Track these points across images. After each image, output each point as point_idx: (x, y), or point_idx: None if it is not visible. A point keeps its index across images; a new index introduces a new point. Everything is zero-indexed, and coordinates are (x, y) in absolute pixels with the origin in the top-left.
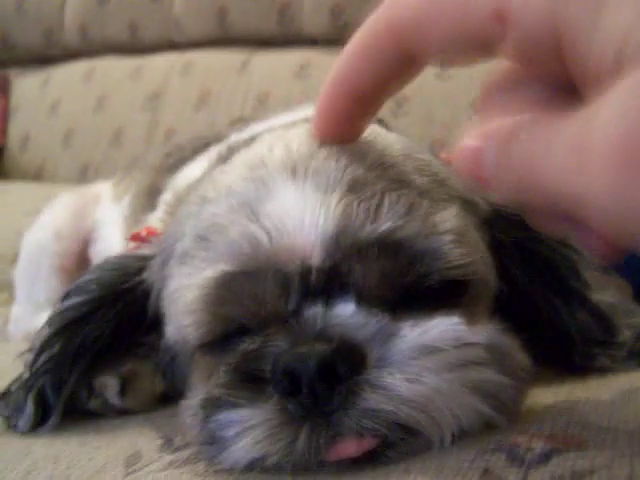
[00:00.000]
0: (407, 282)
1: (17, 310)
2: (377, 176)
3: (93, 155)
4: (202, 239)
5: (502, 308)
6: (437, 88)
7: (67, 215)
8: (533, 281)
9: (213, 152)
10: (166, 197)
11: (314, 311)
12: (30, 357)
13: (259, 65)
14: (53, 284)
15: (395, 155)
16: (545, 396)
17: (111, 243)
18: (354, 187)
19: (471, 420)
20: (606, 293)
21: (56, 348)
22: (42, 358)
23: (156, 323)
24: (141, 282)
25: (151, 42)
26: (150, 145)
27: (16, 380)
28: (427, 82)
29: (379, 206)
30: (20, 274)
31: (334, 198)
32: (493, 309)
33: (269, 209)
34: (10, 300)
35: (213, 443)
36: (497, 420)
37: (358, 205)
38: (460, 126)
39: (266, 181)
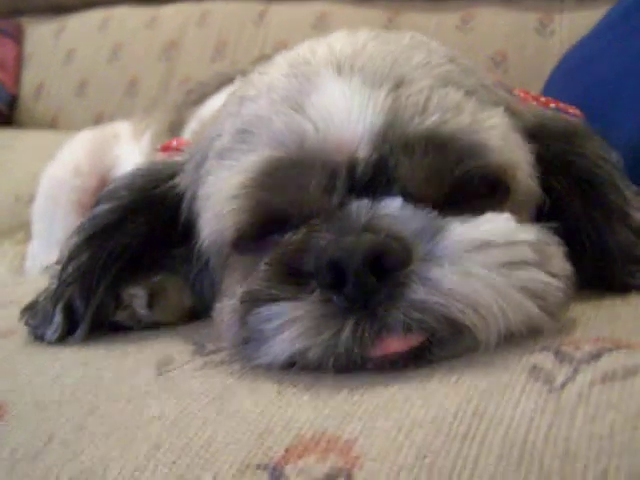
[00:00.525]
0: (454, 178)
1: (34, 246)
2: (423, 74)
3: (108, 104)
4: (243, 132)
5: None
6: (457, 40)
7: (86, 151)
8: (574, 196)
9: (239, 83)
10: (192, 126)
11: (360, 204)
12: (58, 267)
13: (276, 15)
14: (71, 220)
15: (441, 57)
16: (587, 308)
17: None
18: (401, 83)
19: (518, 319)
20: None
21: (84, 257)
22: (70, 267)
23: (187, 234)
24: (173, 187)
25: None
26: (165, 95)
27: (44, 291)
28: (448, 33)
29: (427, 102)
30: (38, 210)
31: (382, 92)
32: (536, 220)
33: (315, 101)
34: (27, 239)
35: (252, 339)
36: (543, 321)
37: (406, 100)
38: None
39: (311, 77)
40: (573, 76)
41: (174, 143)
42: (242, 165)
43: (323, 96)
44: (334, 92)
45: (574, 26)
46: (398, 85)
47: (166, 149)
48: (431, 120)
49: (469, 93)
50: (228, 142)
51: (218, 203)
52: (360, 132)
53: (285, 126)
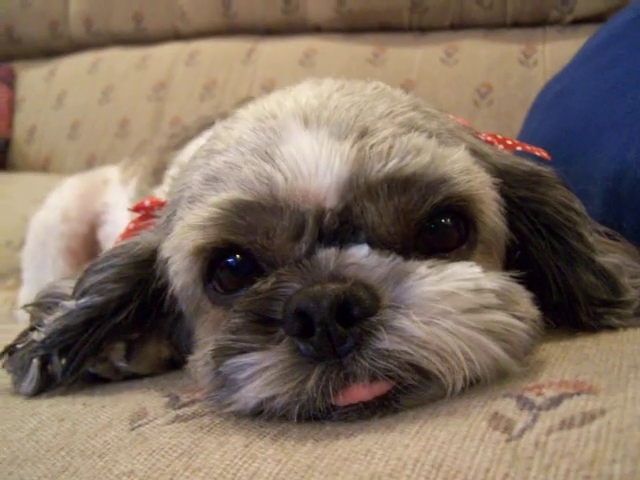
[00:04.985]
0: (420, 216)
1: (25, 292)
2: (387, 123)
3: (99, 146)
4: (213, 180)
5: (511, 267)
6: (443, 72)
7: (75, 197)
8: (539, 240)
9: (206, 139)
10: (172, 172)
11: (327, 253)
12: (37, 309)
13: (264, 54)
14: (60, 265)
15: (403, 105)
16: (556, 350)
17: (120, 226)
18: (365, 133)
19: (484, 363)
20: (612, 255)
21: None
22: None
23: (164, 287)
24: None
25: (156, 32)
26: (155, 135)
27: (22, 336)
28: (433, 67)
29: (390, 149)
30: (27, 255)
31: (347, 144)
32: (505, 263)
33: (284, 153)
34: (17, 286)
35: (224, 387)
36: (509, 364)
37: (370, 149)
38: (465, 110)
39: (278, 130)
40: (552, 108)
41: (146, 203)
42: (209, 202)
43: (292, 148)
44: (302, 145)
45: (556, 56)
46: (363, 135)
47: (138, 209)
48: (392, 164)
49: (431, 136)
50: (197, 189)
51: (183, 234)
52: (327, 184)
53: (254, 174)
